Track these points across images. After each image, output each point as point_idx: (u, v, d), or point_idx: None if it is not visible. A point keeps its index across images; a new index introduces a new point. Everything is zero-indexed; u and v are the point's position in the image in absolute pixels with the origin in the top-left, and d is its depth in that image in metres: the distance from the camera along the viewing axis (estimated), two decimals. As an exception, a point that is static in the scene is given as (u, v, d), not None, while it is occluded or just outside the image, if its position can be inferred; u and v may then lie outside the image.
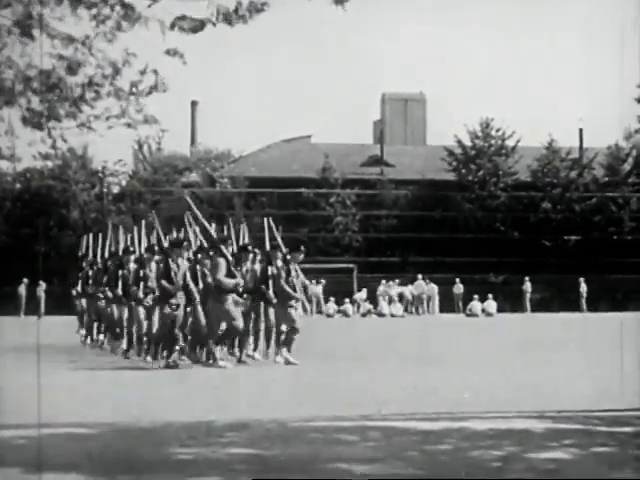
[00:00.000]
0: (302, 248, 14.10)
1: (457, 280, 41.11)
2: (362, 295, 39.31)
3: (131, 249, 15.85)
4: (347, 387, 10.68)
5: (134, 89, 7.96)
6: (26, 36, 7.88)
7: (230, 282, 13.07)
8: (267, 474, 5.80)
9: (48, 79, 8.02)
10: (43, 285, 37.44)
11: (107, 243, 17.95)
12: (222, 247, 13.32)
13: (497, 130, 47.93)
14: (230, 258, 13.19)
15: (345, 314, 36.73)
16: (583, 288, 41.17)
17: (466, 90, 71.52)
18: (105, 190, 46.91)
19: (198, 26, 7.51)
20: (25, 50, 8.12)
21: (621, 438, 7.13)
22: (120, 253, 16.26)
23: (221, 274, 13.04)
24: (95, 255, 18.18)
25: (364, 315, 37.81)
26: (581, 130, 49.60)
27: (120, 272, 15.46)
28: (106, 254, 17.50)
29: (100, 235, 18.68)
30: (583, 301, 41.17)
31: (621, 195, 46.40)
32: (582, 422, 7.78)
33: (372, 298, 38.88)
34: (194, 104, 54.29)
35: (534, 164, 47.32)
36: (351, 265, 42.62)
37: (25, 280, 38.63)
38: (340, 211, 46.00)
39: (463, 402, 9.06)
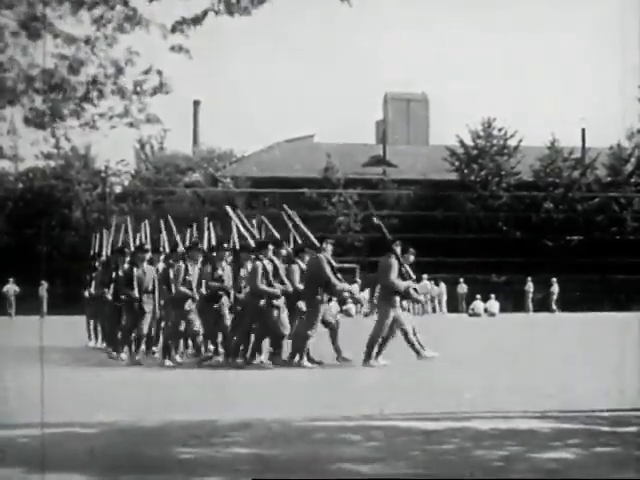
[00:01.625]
0: (412, 249, 13.92)
1: (461, 280, 41.13)
2: (365, 295, 39.27)
3: (160, 248, 15.16)
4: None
5: (138, 88, 7.95)
6: (33, 37, 7.86)
7: (403, 284, 13.09)
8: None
9: (51, 78, 8.01)
10: (45, 285, 37.42)
11: (143, 239, 16.50)
12: (394, 248, 13.33)
13: (499, 130, 47.92)
14: (401, 260, 13.25)
15: (348, 314, 36.70)
16: (555, 289, 40.96)
17: (469, 90, 71.48)
18: (107, 190, 46.93)
19: (200, 16, 7.49)
20: (27, 49, 8.10)
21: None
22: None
23: (394, 276, 13.04)
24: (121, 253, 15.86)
25: (366, 315, 37.78)
26: (583, 130, 49.63)
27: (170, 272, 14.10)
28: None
29: (124, 231, 17.44)
30: (553, 302, 40.99)
31: (623, 195, 46.35)
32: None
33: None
34: (196, 104, 54.29)
35: (536, 164, 47.28)
36: (353, 265, 42.59)
37: (10, 279, 38.48)
38: (342, 211, 45.99)
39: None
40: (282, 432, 7.30)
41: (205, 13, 7.46)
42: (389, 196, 47.12)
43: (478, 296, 38.75)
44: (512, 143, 47.69)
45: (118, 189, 48.57)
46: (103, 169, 47.41)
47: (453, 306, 40.62)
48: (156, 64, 8.29)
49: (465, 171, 47.15)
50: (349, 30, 72.96)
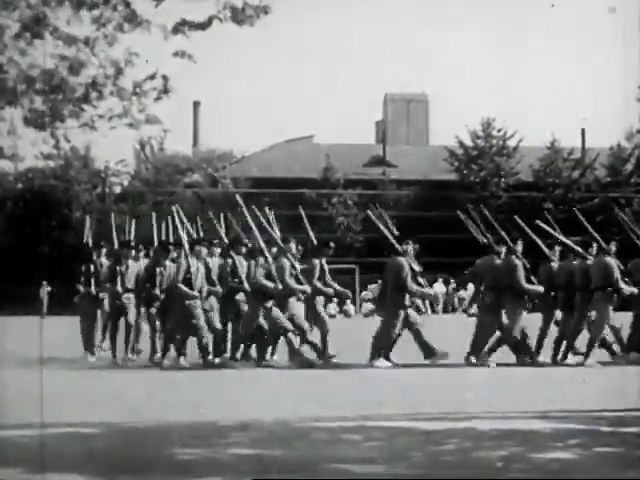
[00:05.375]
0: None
1: (452, 280, 41.14)
2: (366, 295, 39.26)
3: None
4: None
5: (137, 89, 7.95)
6: (36, 38, 7.87)
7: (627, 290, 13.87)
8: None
9: (51, 79, 8.00)
10: (46, 285, 37.35)
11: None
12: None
13: (498, 130, 47.91)
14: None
15: (347, 314, 36.73)
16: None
17: (469, 90, 71.50)
18: (107, 190, 46.95)
19: (206, 23, 7.49)
20: (26, 51, 8.10)
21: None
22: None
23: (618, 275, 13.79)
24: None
25: (367, 315, 37.78)
26: (583, 130, 49.61)
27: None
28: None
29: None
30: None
31: (623, 195, 46.33)
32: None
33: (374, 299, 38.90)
34: (197, 104, 54.29)
35: (536, 164, 47.26)
36: (353, 265, 42.56)
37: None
38: (342, 211, 45.99)
39: None
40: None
41: (210, 20, 7.47)
42: (389, 197, 47.10)
43: (477, 296, 38.64)
44: (511, 143, 47.69)
45: (118, 189, 48.61)
46: (103, 169, 47.43)
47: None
48: (156, 64, 8.29)
49: (465, 171, 47.14)
50: (349, 30, 72.97)
